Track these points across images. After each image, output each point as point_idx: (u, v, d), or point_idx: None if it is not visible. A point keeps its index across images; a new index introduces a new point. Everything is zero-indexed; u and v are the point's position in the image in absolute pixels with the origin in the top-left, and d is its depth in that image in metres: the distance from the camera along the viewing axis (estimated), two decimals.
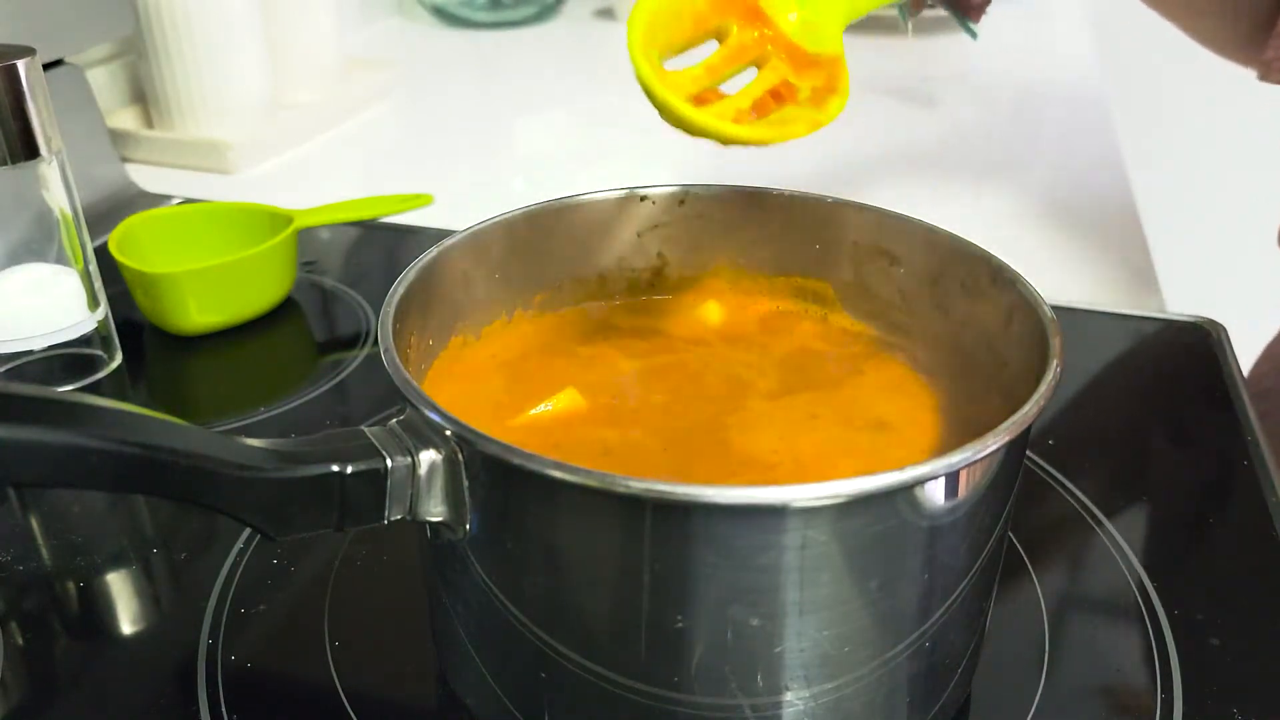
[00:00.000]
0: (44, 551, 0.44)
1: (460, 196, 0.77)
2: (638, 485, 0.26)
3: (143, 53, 0.81)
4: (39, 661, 0.39)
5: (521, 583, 0.30)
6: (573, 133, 0.97)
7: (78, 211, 0.53)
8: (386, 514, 0.30)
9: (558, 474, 0.27)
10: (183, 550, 0.44)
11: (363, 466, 0.29)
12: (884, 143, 0.86)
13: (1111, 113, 0.94)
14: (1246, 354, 0.57)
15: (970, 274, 0.38)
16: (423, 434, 0.30)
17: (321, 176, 0.84)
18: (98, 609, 0.41)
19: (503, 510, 0.29)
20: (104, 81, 0.86)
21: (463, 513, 0.30)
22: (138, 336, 0.59)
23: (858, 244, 0.41)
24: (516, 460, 0.27)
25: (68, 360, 0.55)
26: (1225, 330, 0.59)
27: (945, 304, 0.39)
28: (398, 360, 0.31)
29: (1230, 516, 0.46)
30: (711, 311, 0.43)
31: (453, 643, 0.35)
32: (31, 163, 0.50)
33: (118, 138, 0.83)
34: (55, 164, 0.51)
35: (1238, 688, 0.37)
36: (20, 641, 0.39)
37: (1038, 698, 0.36)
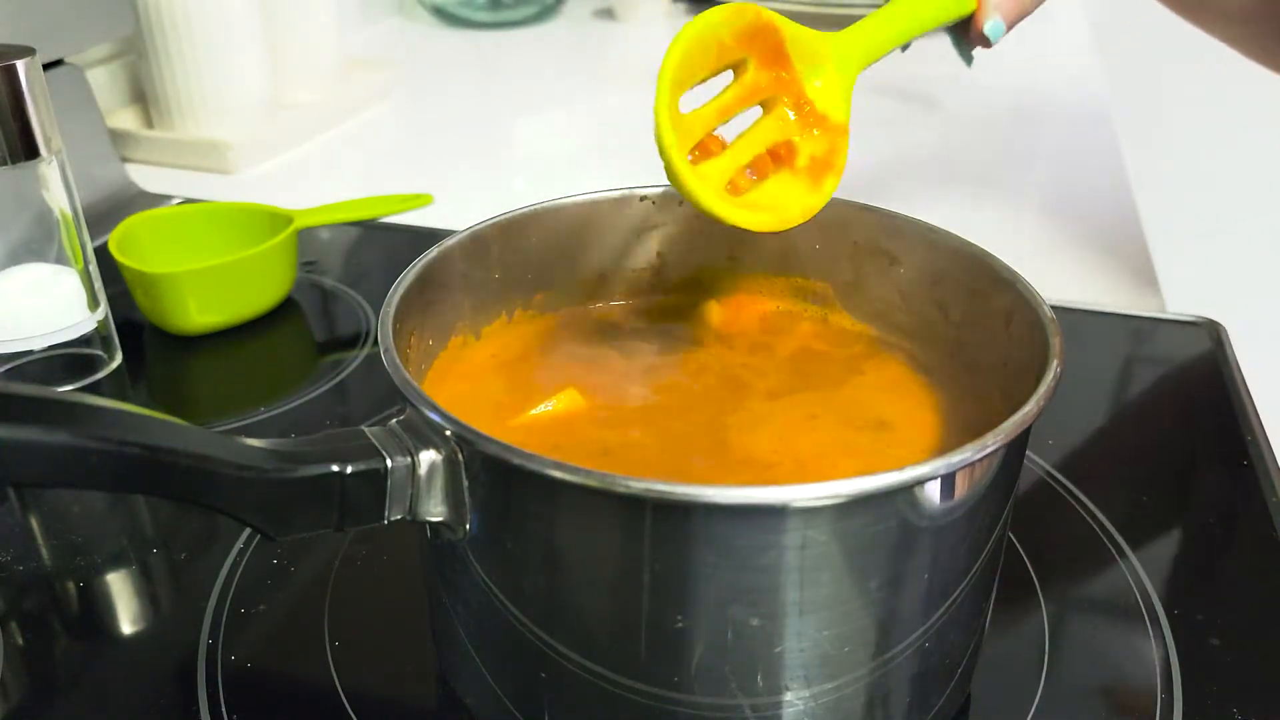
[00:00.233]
0: (44, 551, 0.44)
1: (460, 196, 0.77)
2: (638, 485, 0.26)
3: (143, 53, 0.81)
4: (39, 661, 0.39)
5: (521, 583, 0.30)
6: (573, 133, 0.97)
7: (78, 211, 0.53)
8: (386, 514, 0.30)
9: (558, 474, 0.27)
10: (183, 550, 0.44)
11: (363, 466, 0.29)
12: (884, 143, 0.86)
13: (1112, 113, 0.94)
14: (1246, 354, 0.57)
15: (970, 274, 0.38)
16: (423, 434, 0.30)
17: (321, 176, 0.84)
18: (98, 609, 0.41)
19: (503, 510, 0.29)
20: (104, 81, 0.86)
21: (463, 513, 0.30)
22: (138, 336, 0.59)
23: (858, 244, 0.41)
24: (516, 460, 0.27)
25: (68, 360, 0.55)
26: (1225, 330, 0.59)
27: (945, 304, 0.39)
28: (398, 360, 0.31)
29: (1230, 517, 0.46)
30: (711, 311, 0.43)
31: (453, 643, 0.35)
32: (31, 163, 0.50)
33: (118, 138, 0.83)
34: (55, 164, 0.51)
35: (1238, 688, 0.37)
36: (20, 641, 0.39)
37: (1038, 698, 0.36)
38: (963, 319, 0.38)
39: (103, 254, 0.56)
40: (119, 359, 0.57)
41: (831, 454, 0.35)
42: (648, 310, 0.44)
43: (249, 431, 0.51)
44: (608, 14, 1.29)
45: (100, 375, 0.55)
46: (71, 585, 0.42)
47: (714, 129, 0.39)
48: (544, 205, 0.41)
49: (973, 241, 0.38)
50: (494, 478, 0.29)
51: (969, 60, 0.53)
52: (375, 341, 0.59)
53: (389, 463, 0.29)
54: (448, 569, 0.33)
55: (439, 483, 0.30)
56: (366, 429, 0.30)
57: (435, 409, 0.29)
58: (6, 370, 0.53)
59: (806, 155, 0.39)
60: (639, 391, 0.39)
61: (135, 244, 0.59)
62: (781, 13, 0.41)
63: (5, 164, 0.49)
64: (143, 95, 0.86)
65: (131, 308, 0.59)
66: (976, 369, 0.38)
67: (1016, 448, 0.31)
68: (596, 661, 0.30)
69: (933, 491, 0.28)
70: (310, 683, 0.37)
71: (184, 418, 0.28)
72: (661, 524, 0.27)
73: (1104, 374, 0.56)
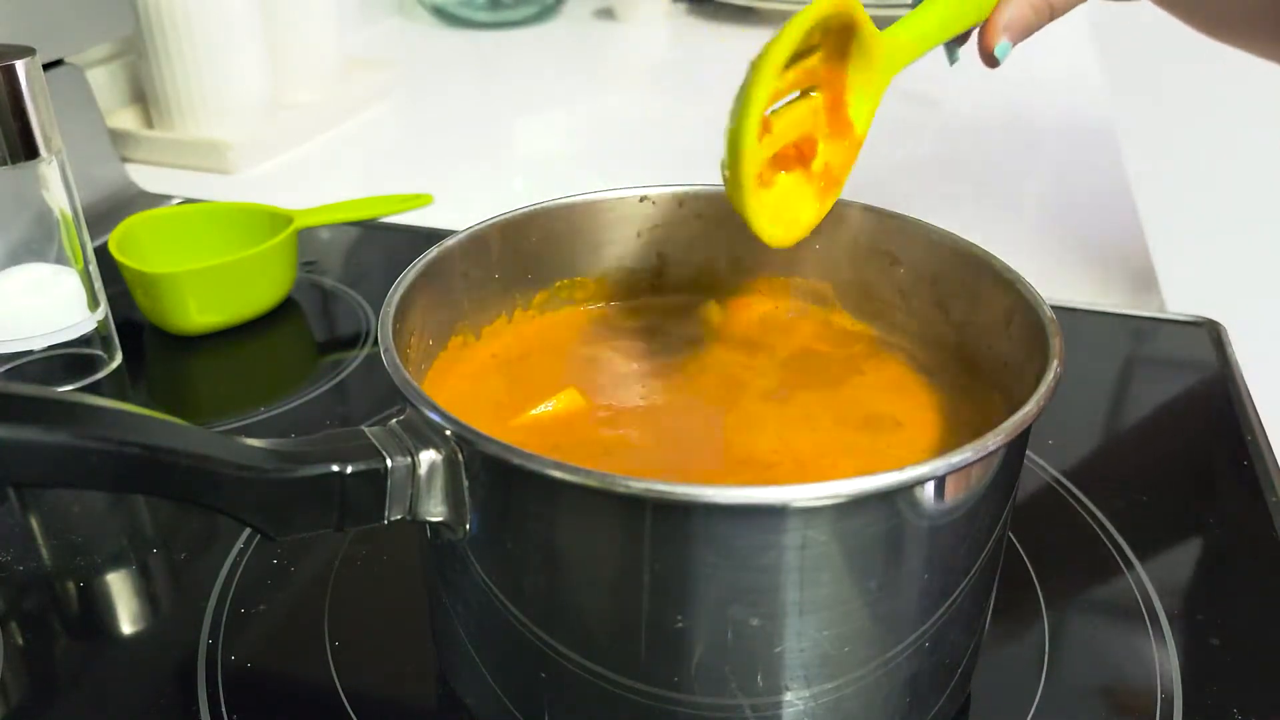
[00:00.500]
0: (44, 551, 0.44)
1: (460, 196, 0.77)
2: (638, 485, 0.26)
3: (143, 53, 0.81)
4: (39, 661, 0.39)
5: (521, 583, 0.30)
6: (573, 133, 0.97)
7: (78, 211, 0.53)
8: (386, 514, 0.30)
9: (558, 474, 0.27)
10: (183, 550, 0.44)
11: (363, 466, 0.29)
12: (884, 143, 0.86)
13: (1112, 113, 0.94)
14: (1246, 354, 0.57)
15: (970, 274, 0.38)
16: (423, 434, 0.30)
17: (321, 176, 0.84)
18: (98, 609, 0.41)
19: (503, 510, 0.29)
20: (104, 81, 0.86)
21: (463, 513, 0.30)
22: (138, 336, 0.59)
23: (858, 244, 0.41)
24: (516, 460, 0.27)
25: (68, 360, 0.54)
26: (1225, 330, 0.59)
27: (945, 304, 0.39)
28: (398, 360, 0.31)
29: (1230, 516, 0.46)
30: (711, 311, 0.43)
31: (453, 643, 0.35)
32: (31, 163, 0.50)
33: (118, 138, 0.83)
34: (55, 164, 0.51)
35: (1238, 688, 0.37)
36: (20, 641, 0.39)
37: (1038, 698, 0.36)
38: (963, 319, 0.39)
39: (103, 254, 0.56)
40: (119, 359, 0.57)
41: (831, 454, 0.35)
42: (648, 310, 0.44)
43: (249, 431, 0.51)
44: (608, 14, 1.29)
45: (100, 375, 0.55)
46: (71, 585, 0.42)
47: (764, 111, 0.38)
48: (544, 205, 0.41)
49: (973, 242, 0.38)
50: (494, 478, 0.29)
51: (954, 59, 0.52)
52: (375, 341, 0.59)
53: (389, 463, 0.29)
54: (448, 569, 0.33)
55: (439, 483, 0.30)
56: (366, 429, 0.30)
57: (435, 409, 0.29)
58: (6, 370, 0.53)
59: (823, 160, 0.38)
60: (639, 391, 0.39)
61: (135, 244, 0.59)
62: (790, 14, 0.40)
63: (5, 164, 0.49)
64: (143, 95, 0.86)
65: (131, 308, 0.59)
66: (976, 369, 0.38)
67: (1016, 448, 0.31)
68: (596, 661, 0.30)
69: (933, 491, 0.28)
70: (310, 683, 0.37)
71: (184, 418, 0.28)
72: (661, 524, 0.27)
73: (1104, 374, 0.56)
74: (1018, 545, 0.43)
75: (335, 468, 0.29)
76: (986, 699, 0.36)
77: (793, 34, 0.34)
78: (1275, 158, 1.31)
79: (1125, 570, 0.42)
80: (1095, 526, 0.44)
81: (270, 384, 0.57)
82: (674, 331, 0.43)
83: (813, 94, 0.38)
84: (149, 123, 0.86)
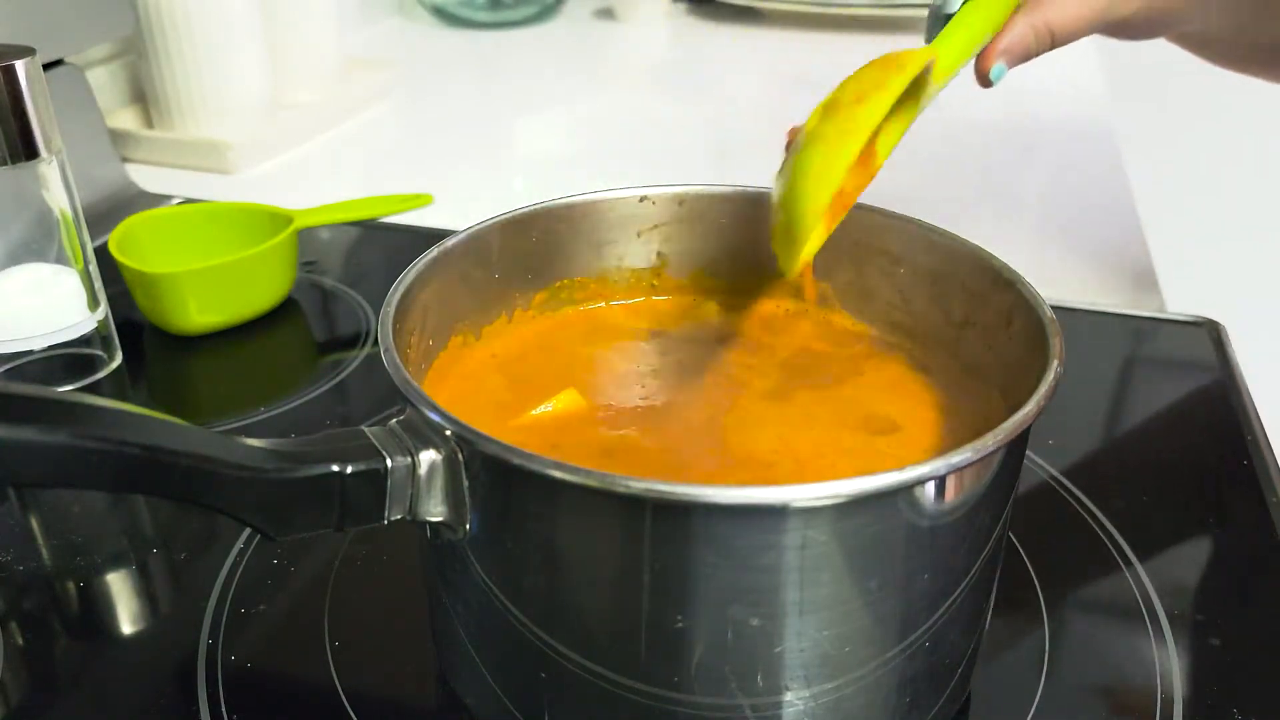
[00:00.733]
0: (44, 551, 0.44)
1: (460, 196, 0.77)
2: (638, 485, 0.26)
3: (143, 53, 0.81)
4: (39, 661, 0.39)
5: (521, 583, 0.30)
6: (573, 133, 0.97)
7: (78, 211, 0.53)
8: (386, 514, 0.30)
9: (558, 474, 0.27)
10: (183, 550, 0.44)
11: (363, 466, 0.29)
12: None
13: (1112, 113, 0.94)
14: (1246, 354, 0.57)
15: (970, 274, 0.38)
16: (423, 434, 0.30)
17: (321, 176, 0.85)
18: (98, 609, 0.41)
19: (503, 510, 0.29)
20: (104, 81, 0.86)
21: (463, 513, 0.30)
22: (138, 336, 0.59)
23: (858, 244, 0.41)
24: (516, 460, 0.27)
25: (68, 360, 0.54)
26: (1225, 330, 0.59)
27: (945, 304, 0.39)
28: (398, 360, 0.31)
29: (1230, 516, 0.46)
30: (711, 311, 0.43)
31: (453, 643, 0.35)
32: (31, 163, 0.50)
33: (118, 138, 0.83)
34: (55, 164, 0.51)
35: (1238, 688, 0.37)
36: (20, 641, 0.39)
37: (1038, 698, 0.36)
38: (963, 319, 0.39)
39: (103, 254, 0.56)
40: (119, 359, 0.57)
41: (831, 454, 0.35)
42: (648, 310, 0.44)
43: (249, 431, 0.51)
44: (608, 14, 1.30)
45: (100, 375, 0.55)
46: (71, 585, 0.42)
47: None
48: (544, 205, 0.41)
49: (973, 242, 0.38)
50: (494, 478, 0.29)
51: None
52: (375, 341, 0.59)
53: (389, 463, 0.29)
54: (448, 569, 0.33)
55: (439, 483, 0.30)
56: (366, 429, 0.30)
57: (435, 409, 0.29)
58: (6, 370, 0.53)
59: (843, 186, 0.37)
60: (639, 391, 0.39)
61: (135, 244, 0.59)
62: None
63: (5, 164, 0.49)
64: (143, 95, 0.86)
65: (131, 308, 0.59)
66: (976, 369, 0.38)
67: (1016, 448, 0.31)
68: (596, 661, 0.30)
69: (933, 491, 0.28)
70: (310, 683, 0.37)
71: (184, 418, 0.28)
72: (661, 524, 0.27)
73: (1104, 374, 0.56)
74: (1018, 545, 0.43)
75: (335, 468, 0.29)
76: (986, 699, 0.36)
77: (896, 89, 0.33)
78: (1275, 159, 1.31)
79: (1125, 570, 0.42)
80: (1095, 526, 0.44)
81: (270, 384, 0.57)
82: (674, 331, 0.43)
83: None
84: (149, 123, 0.86)
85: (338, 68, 0.95)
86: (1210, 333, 0.58)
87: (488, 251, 0.40)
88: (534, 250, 0.41)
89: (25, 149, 0.49)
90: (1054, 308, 0.34)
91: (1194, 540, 0.45)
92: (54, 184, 0.52)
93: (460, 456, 0.29)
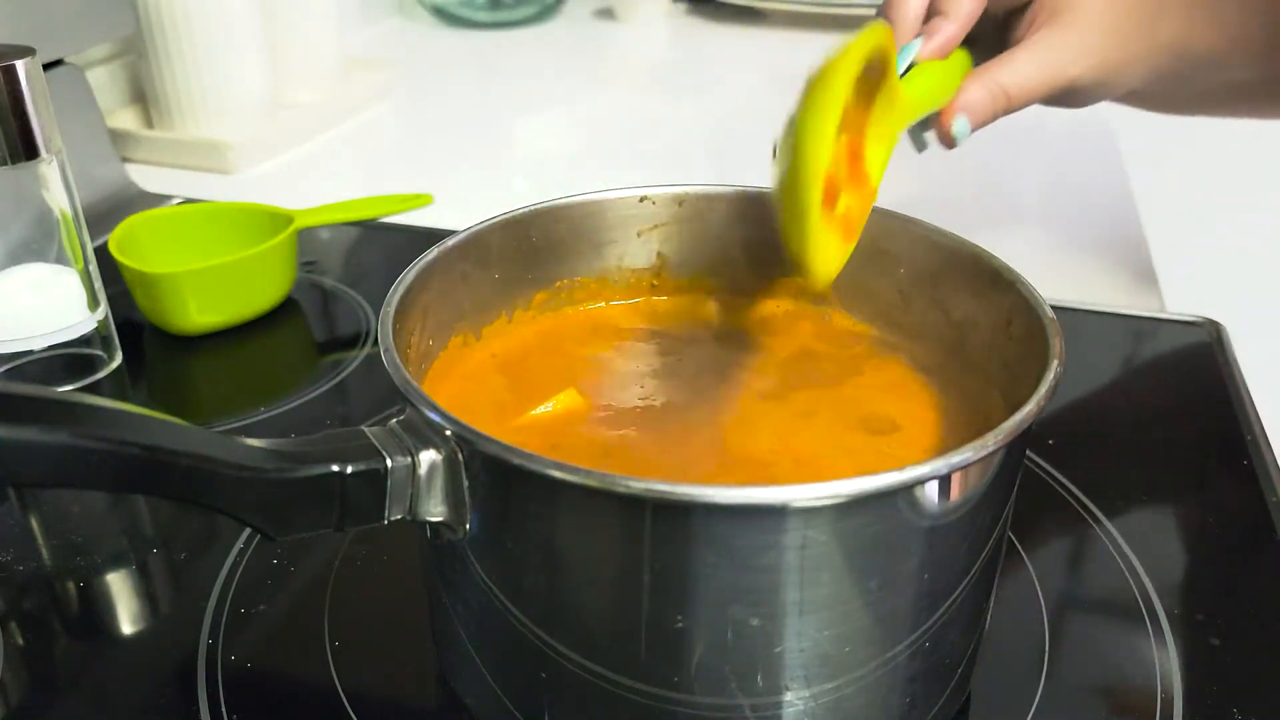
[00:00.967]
0: (44, 551, 0.44)
1: (460, 196, 0.77)
2: (638, 485, 0.26)
3: (143, 53, 0.81)
4: (39, 661, 0.39)
5: (521, 583, 0.30)
6: (573, 133, 0.97)
7: (78, 211, 0.53)
8: (386, 514, 0.30)
9: (558, 474, 0.27)
10: (183, 550, 0.44)
11: (363, 466, 0.29)
12: None
13: (1111, 113, 0.94)
14: (1246, 354, 0.57)
15: (970, 274, 0.38)
16: (423, 434, 0.30)
17: (321, 176, 0.84)
18: (98, 609, 0.41)
19: (503, 510, 0.29)
20: (104, 81, 0.86)
21: (463, 513, 0.30)
22: (138, 336, 0.59)
23: (858, 244, 0.41)
24: (516, 460, 0.27)
25: (68, 360, 0.54)
26: (1225, 330, 0.59)
27: (945, 304, 0.39)
28: (398, 360, 0.31)
29: (1230, 516, 0.46)
30: (711, 311, 0.43)
31: (453, 643, 0.35)
32: (31, 163, 0.50)
33: (118, 138, 0.83)
34: (55, 164, 0.51)
35: (1238, 688, 0.37)
36: (20, 641, 0.39)
37: (1038, 698, 0.36)
38: (963, 319, 0.38)
39: (103, 254, 0.56)
40: (119, 359, 0.57)
41: (831, 454, 0.35)
42: (648, 310, 0.44)
43: (249, 431, 0.51)
44: (608, 14, 1.29)
45: (100, 375, 0.55)
46: (71, 585, 0.42)
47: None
48: (544, 205, 0.41)
49: (973, 242, 0.38)
50: (494, 478, 0.29)
51: (921, 146, 0.53)
52: (375, 341, 0.59)
53: (389, 463, 0.29)
54: (448, 569, 0.33)
55: (439, 483, 0.30)
56: (366, 429, 0.30)
57: (435, 409, 0.29)
58: (6, 370, 0.53)
59: (845, 203, 0.37)
60: (639, 391, 0.39)
61: (135, 244, 0.59)
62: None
63: (5, 164, 0.49)
64: (143, 95, 0.86)
65: (131, 308, 0.59)
66: (976, 369, 0.38)
67: (1016, 448, 0.31)
68: (596, 661, 0.30)
69: (933, 491, 0.28)
70: (310, 683, 0.37)
71: (184, 418, 0.28)
72: (661, 524, 0.27)
73: (1104, 374, 0.56)
74: (1018, 545, 0.43)
75: (335, 468, 0.29)
76: (986, 699, 0.36)
77: (856, 56, 0.33)
78: (1275, 158, 1.31)
79: (1125, 570, 0.42)
80: (1095, 527, 0.44)
81: (270, 384, 0.57)
82: (674, 331, 0.43)
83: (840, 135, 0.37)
84: (149, 123, 0.86)
85: (338, 68, 0.95)
86: (1210, 333, 0.58)
87: (488, 251, 0.40)
88: (534, 250, 0.41)
89: (25, 149, 0.49)
90: (1054, 308, 0.34)
91: (1194, 540, 0.45)
92: (54, 184, 0.52)
93: (460, 456, 0.29)
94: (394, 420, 0.31)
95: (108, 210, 0.73)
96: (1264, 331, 0.72)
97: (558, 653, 0.30)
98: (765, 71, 1.12)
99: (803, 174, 0.32)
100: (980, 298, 0.37)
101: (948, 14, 0.48)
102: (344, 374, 0.56)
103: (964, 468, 0.28)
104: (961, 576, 0.31)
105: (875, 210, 0.40)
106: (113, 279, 0.57)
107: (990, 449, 0.28)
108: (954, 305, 0.39)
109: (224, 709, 0.36)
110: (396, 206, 0.65)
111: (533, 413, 0.37)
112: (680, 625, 0.28)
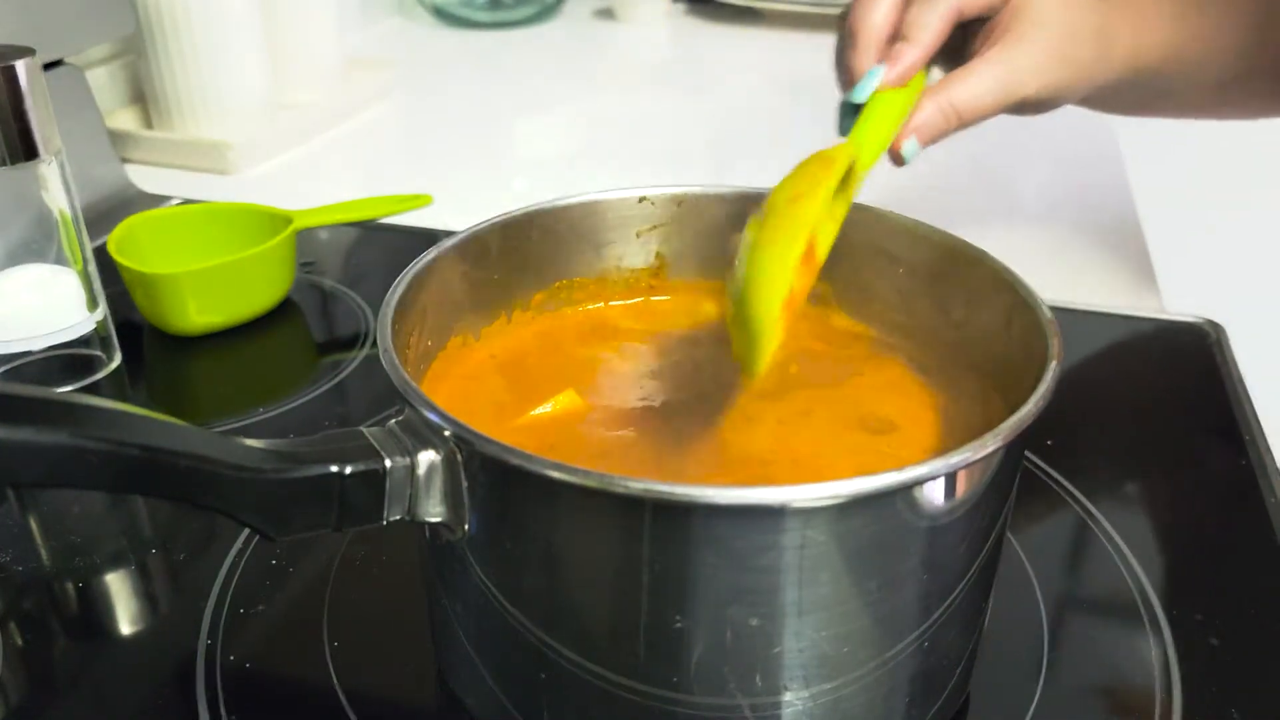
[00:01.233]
0: (44, 551, 0.44)
1: (460, 196, 0.77)
2: (637, 485, 0.26)
3: (143, 53, 0.81)
4: (39, 661, 0.39)
5: (521, 583, 0.30)
6: (573, 133, 0.97)
7: (77, 212, 0.53)
8: (385, 514, 0.30)
9: (557, 475, 0.27)
10: (182, 550, 0.44)
11: (362, 467, 0.29)
12: None
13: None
14: (1246, 354, 0.57)
15: (970, 274, 0.38)
16: (422, 434, 0.30)
17: (321, 176, 0.84)
18: (98, 609, 0.41)
19: (502, 511, 0.29)
20: (104, 81, 0.86)
21: (462, 513, 0.30)
22: (137, 337, 0.59)
23: (857, 244, 0.41)
24: (515, 461, 0.27)
25: (67, 360, 0.54)
26: (1225, 330, 0.59)
27: (945, 304, 0.39)
28: (397, 361, 0.31)
29: (1230, 517, 0.46)
30: (710, 311, 0.43)
31: (453, 643, 0.35)
32: (31, 163, 0.50)
33: (118, 138, 0.83)
34: (55, 164, 0.51)
35: (1238, 688, 0.37)
36: (20, 641, 0.39)
37: (1037, 698, 0.36)
38: (963, 319, 0.38)
39: (102, 254, 0.56)
40: (118, 359, 0.57)
41: (830, 454, 0.35)
42: (647, 310, 0.44)
43: (249, 431, 0.51)
44: (608, 14, 1.30)
45: (100, 375, 0.55)
46: (71, 585, 0.42)
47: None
48: (544, 205, 0.41)
49: (972, 242, 0.38)
50: (493, 478, 0.29)
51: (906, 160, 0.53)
52: (374, 342, 0.59)
53: (388, 463, 0.29)
54: (447, 569, 0.33)
55: (438, 483, 0.30)
56: (365, 429, 0.30)
57: (434, 409, 0.29)
58: (6, 370, 0.53)
59: (792, 289, 0.35)
60: (637, 392, 0.39)
61: (135, 244, 0.59)
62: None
63: (5, 164, 0.49)
64: (143, 95, 0.86)
65: (131, 308, 0.59)
66: (976, 369, 0.38)
67: (1016, 448, 0.31)
68: (596, 661, 0.30)
69: (932, 491, 0.28)
70: (310, 683, 0.37)
71: (184, 418, 0.28)
72: (661, 524, 0.27)
73: (1104, 374, 0.56)
74: (1017, 545, 0.43)
75: (334, 468, 0.29)
76: (986, 699, 0.36)
77: (830, 185, 0.34)
78: (1275, 158, 1.31)
79: (1124, 570, 0.42)
80: (1094, 526, 0.44)
81: (270, 384, 0.57)
82: (673, 332, 0.43)
83: None
84: (149, 123, 0.86)
85: (338, 68, 0.95)
86: (1210, 333, 0.58)
87: (487, 252, 0.40)
88: (533, 250, 0.41)
89: (25, 149, 0.49)
90: (1053, 308, 0.34)
91: (1193, 540, 0.45)
92: (53, 184, 0.52)
93: (459, 457, 0.29)
94: (393, 421, 0.31)
95: (107, 210, 0.73)
96: (1264, 331, 0.72)
97: (557, 653, 0.30)
98: (764, 72, 1.12)
99: (760, 306, 0.33)
100: (979, 298, 0.37)
101: (911, 39, 0.48)
102: (343, 374, 0.56)
103: (963, 468, 0.28)
104: (960, 577, 0.31)
105: (874, 210, 0.41)
106: (112, 279, 0.57)
107: (990, 449, 0.28)
108: (953, 305, 0.39)
109: (223, 709, 0.36)
110: (396, 207, 0.65)
111: (532, 413, 0.37)
112: (679, 626, 0.28)
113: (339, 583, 0.41)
